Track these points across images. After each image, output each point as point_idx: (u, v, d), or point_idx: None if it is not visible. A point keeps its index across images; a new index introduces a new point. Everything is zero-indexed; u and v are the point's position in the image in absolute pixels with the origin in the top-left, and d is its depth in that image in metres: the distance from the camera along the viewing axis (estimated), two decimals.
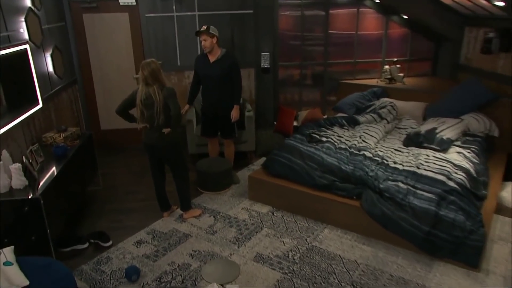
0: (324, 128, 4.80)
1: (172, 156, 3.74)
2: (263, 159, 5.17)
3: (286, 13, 6.05)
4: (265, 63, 5.53)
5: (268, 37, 5.47)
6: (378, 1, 5.99)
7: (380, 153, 4.08)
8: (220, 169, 4.49)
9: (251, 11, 5.50)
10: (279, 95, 6.28)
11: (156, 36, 5.54)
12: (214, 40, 4.17)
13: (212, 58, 4.25)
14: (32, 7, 4.13)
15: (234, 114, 4.34)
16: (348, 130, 4.83)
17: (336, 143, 4.29)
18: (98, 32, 5.51)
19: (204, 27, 4.15)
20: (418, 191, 3.38)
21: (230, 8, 5.47)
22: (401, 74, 6.09)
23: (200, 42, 4.23)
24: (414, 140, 4.35)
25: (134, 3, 5.33)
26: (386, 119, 5.05)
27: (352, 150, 4.12)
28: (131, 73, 5.69)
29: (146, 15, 5.42)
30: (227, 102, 4.34)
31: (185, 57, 5.53)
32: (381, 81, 6.20)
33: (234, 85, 4.26)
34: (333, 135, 4.55)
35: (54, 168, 3.52)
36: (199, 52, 5.40)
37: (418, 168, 3.69)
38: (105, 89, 5.76)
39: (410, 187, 3.43)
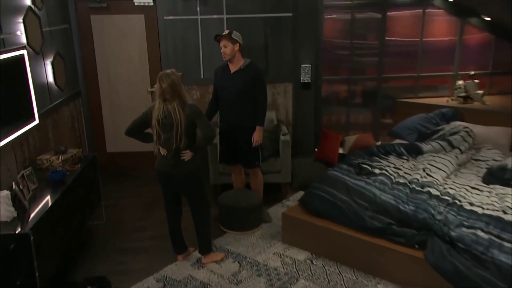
0: (377, 158, 4.77)
1: (192, 187, 3.76)
2: (301, 193, 5.00)
3: (332, 16, 6.08)
4: (305, 77, 5.55)
5: (309, 45, 5.50)
6: (451, 0, 5.92)
7: (451, 191, 3.98)
8: (247, 204, 4.48)
9: (290, 14, 5.57)
10: (321, 116, 6.26)
11: (176, 42, 5.63)
12: (236, 47, 4.24)
13: (233, 69, 4.32)
14: (32, 6, 4.23)
15: (256, 137, 4.37)
16: (408, 160, 4.78)
17: (392, 177, 4.24)
18: (107, 37, 5.62)
19: (226, 32, 4.25)
20: (505, 243, 3.21)
21: (264, 11, 5.57)
22: (480, 92, 5.99)
23: (220, 48, 4.32)
24: (498, 177, 4.24)
25: (151, 4, 5.44)
26: (459, 148, 4.96)
27: (414, 186, 4.03)
28: (145, 86, 5.78)
29: (165, 17, 5.53)
30: (249, 122, 4.38)
31: (210, 68, 5.54)
32: (452, 100, 6.14)
33: (257, 102, 4.31)
34: (389, 166, 4.51)
35: (48, 197, 3.53)
36: None
37: (505, 212, 3.55)
38: (114, 104, 5.85)
39: (493, 238, 3.29)
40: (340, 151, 5.86)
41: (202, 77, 5.71)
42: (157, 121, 3.53)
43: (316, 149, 5.93)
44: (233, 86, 4.29)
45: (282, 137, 5.15)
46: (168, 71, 3.55)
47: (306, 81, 5.56)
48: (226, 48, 4.22)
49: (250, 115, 4.35)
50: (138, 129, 3.70)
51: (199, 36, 5.60)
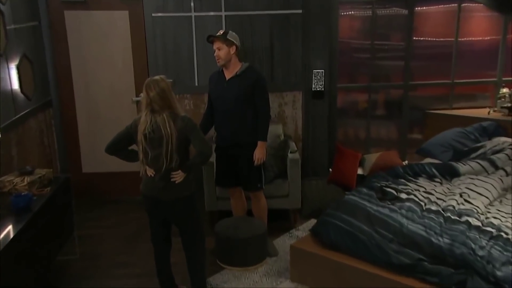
0: (403, 180, 4.75)
1: (184, 214, 3.76)
2: (312, 221, 5.08)
3: (349, 13, 6.09)
4: (317, 85, 5.57)
5: (322, 47, 5.52)
6: None
7: (495, 222, 3.92)
8: (249, 234, 4.46)
9: (300, 11, 5.61)
10: (337, 130, 6.25)
11: (166, 44, 5.66)
12: (232, 50, 4.28)
13: (228, 75, 4.37)
14: None
15: (258, 154, 4.39)
16: (441, 184, 4.75)
17: (422, 203, 4.21)
18: (85, 37, 5.64)
19: (220, 32, 4.32)
20: None
21: (269, 7, 5.62)
22: None
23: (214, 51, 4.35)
24: None
25: None
26: (504, 169, 4.88)
27: (449, 214, 3.99)
28: (130, 95, 5.80)
29: (153, 14, 5.57)
30: (249, 137, 4.41)
31: (205, 74, 5.42)
32: (495, 111, 6.12)
33: (258, 113, 4.36)
34: (418, 190, 4.48)
35: (10, 227, 3.48)
36: None
37: None
38: (92, 116, 5.85)
39: None
40: (359, 171, 5.80)
41: (196, 84, 5.74)
42: (143, 136, 3.52)
43: (330, 169, 5.91)
44: (229, 95, 4.33)
45: (290, 155, 5.16)
46: (157, 77, 3.57)
47: (318, 89, 5.59)
48: (220, 51, 4.26)
49: (251, 129, 4.39)
50: (121, 146, 3.69)
51: (193, 36, 5.62)
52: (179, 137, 3.51)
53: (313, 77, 5.53)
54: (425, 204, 4.18)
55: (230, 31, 4.32)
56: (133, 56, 5.69)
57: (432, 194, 4.41)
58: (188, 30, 5.60)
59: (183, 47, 5.65)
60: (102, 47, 5.66)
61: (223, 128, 4.47)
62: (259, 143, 4.38)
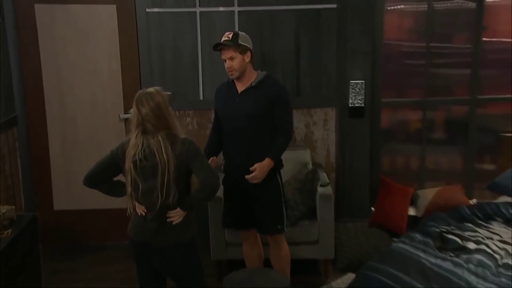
0: (471, 225, 4.75)
1: (183, 266, 3.74)
2: (350, 276, 5.06)
3: (398, 7, 6.10)
4: (356, 100, 5.57)
5: (363, 52, 5.55)
6: None
7: None
8: None
9: (334, 6, 5.63)
10: (381, 158, 6.23)
11: (164, 47, 5.70)
12: (248, 57, 4.28)
13: (241, 87, 4.37)
14: None
15: (257, 171, 4.27)
16: None
17: (497, 256, 4.17)
18: (60, 38, 5.65)
19: (229, 36, 4.25)
20: None
21: (295, 1, 5.65)
22: None
23: (224, 61, 4.35)
24: None
25: None
26: None
27: None
28: (117, 111, 5.83)
29: (147, 9, 5.60)
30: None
31: (213, 85, 5.36)
32: None
33: (278, 132, 4.36)
34: (491, 238, 4.47)
35: None
36: None
37: None
38: (68, 137, 5.85)
39: None
40: (411, 212, 5.81)
41: (201, 98, 5.77)
42: (133, 164, 3.50)
43: (372, 209, 5.94)
44: (242, 112, 4.32)
45: (320, 189, 5.15)
46: (151, 89, 3.57)
47: (357, 105, 5.58)
48: (234, 61, 4.24)
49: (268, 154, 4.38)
50: (104, 176, 3.69)
51: (197, 37, 5.65)
52: (178, 165, 3.49)
53: (351, 89, 5.52)
54: (501, 258, 4.13)
55: (240, 33, 4.30)
56: (121, 62, 5.71)
57: (510, 245, 4.35)
58: (192, 29, 5.62)
59: (185, 50, 5.67)
60: (82, 51, 5.67)
61: (234, 153, 4.45)
62: (267, 159, 4.29)
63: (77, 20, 5.60)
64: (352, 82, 5.51)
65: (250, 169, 4.27)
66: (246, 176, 4.29)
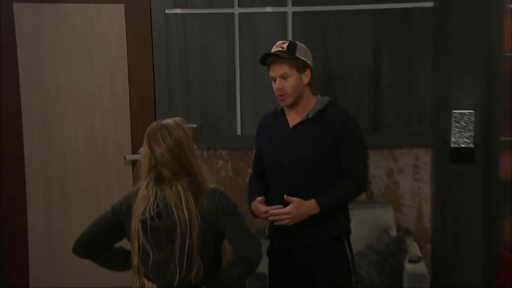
0: None
1: None
2: None
3: None
4: (462, 137, 5.50)
5: (472, 70, 5.50)
6: None
7: None
8: None
9: (430, 5, 5.71)
10: (500, 224, 6.04)
11: (189, 62, 5.84)
12: (306, 78, 4.24)
13: (295, 118, 4.33)
14: None
15: (293, 207, 4.12)
16: None
17: None
18: (47, 48, 5.68)
19: (283, 46, 4.18)
20: None
21: None
22: None
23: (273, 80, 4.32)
24: None
25: None
26: None
27: None
28: (122, 151, 5.91)
29: (166, 10, 5.77)
30: (330, 228, 4.34)
31: (255, 116, 5.47)
32: None
33: (345, 179, 4.30)
34: None
35: None
36: None
37: None
38: (53, 187, 5.89)
39: None
40: None
41: (238, 133, 5.91)
42: (141, 224, 3.45)
43: None
44: (296, 152, 4.27)
45: (409, 266, 5.18)
46: (169, 121, 3.57)
47: (463, 145, 5.50)
48: (287, 80, 4.17)
49: (335, 213, 4.30)
50: (102, 242, 3.66)
51: (235, 49, 5.79)
52: (205, 227, 3.43)
53: (454, 123, 5.44)
54: None
55: (298, 44, 4.22)
56: (129, 82, 5.80)
57: None
58: (227, 37, 5.77)
59: (218, 67, 5.80)
60: (76, 67, 5.73)
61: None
62: (312, 201, 4.15)
63: (71, 25, 5.64)
64: (455, 113, 5.42)
65: (285, 197, 4.14)
66: (271, 218, 4.21)
